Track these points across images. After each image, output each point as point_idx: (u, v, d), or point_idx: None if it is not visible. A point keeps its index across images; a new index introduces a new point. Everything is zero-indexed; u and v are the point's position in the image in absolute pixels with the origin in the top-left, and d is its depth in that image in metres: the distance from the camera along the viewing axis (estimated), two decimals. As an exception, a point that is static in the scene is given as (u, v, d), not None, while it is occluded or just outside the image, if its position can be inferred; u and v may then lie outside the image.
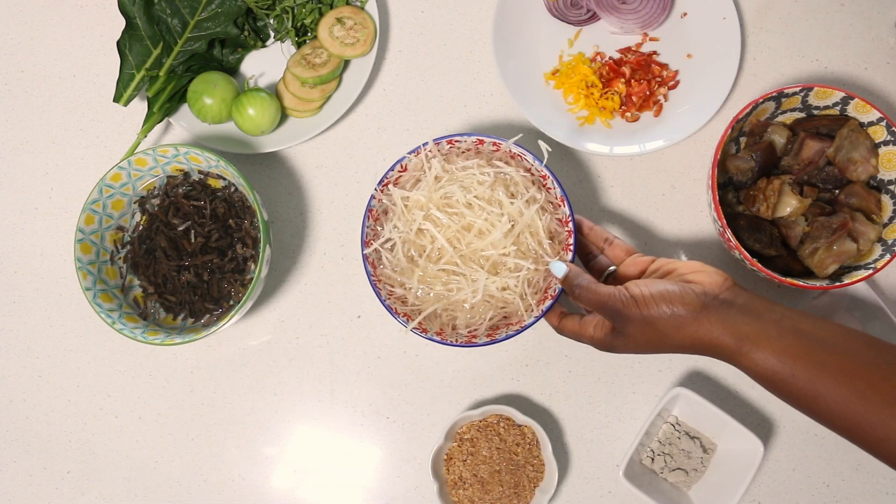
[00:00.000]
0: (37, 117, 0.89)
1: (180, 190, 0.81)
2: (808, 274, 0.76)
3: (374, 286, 0.69)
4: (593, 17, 0.86)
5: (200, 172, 0.82)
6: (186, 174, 0.82)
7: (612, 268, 0.67)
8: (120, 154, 0.87)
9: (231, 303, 0.80)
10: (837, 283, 0.72)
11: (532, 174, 0.70)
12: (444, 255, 0.66)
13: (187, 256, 0.79)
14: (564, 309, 0.68)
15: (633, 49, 0.86)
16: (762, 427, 0.80)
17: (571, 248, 0.67)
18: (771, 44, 0.87)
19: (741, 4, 0.87)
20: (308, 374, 0.83)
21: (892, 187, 0.75)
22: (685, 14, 0.86)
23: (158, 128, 0.88)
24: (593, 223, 0.70)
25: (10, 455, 0.84)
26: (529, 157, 0.70)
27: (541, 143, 0.70)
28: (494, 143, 0.70)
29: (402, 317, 0.68)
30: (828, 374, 0.51)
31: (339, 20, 0.84)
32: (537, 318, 0.66)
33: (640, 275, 0.64)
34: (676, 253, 0.84)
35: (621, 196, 0.85)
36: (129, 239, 0.82)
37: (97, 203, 0.78)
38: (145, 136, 0.83)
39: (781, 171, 0.78)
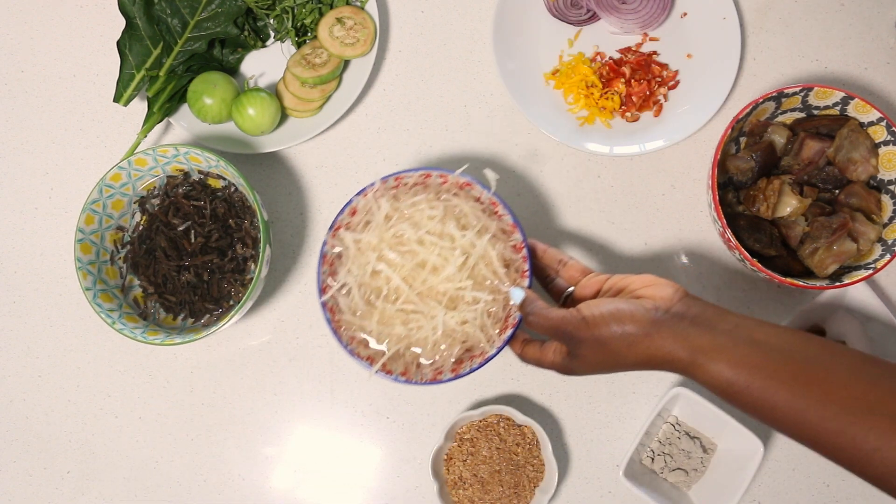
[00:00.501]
0: (37, 117, 0.89)
1: (180, 190, 0.81)
2: (808, 274, 0.76)
3: (334, 332, 0.68)
4: (593, 17, 0.86)
5: (200, 172, 0.82)
6: (186, 174, 0.82)
7: (569, 289, 0.66)
8: (120, 154, 0.87)
9: (231, 303, 0.80)
10: (837, 283, 0.72)
11: (482, 202, 0.69)
12: (401, 294, 0.65)
13: (187, 256, 0.79)
14: (528, 336, 0.67)
15: (633, 49, 0.86)
16: (762, 427, 0.80)
17: (527, 274, 0.66)
18: (771, 44, 0.87)
19: (741, 4, 0.87)
20: (308, 374, 0.83)
21: (892, 187, 0.75)
22: (685, 14, 0.86)
23: (158, 128, 0.88)
24: (547, 245, 0.69)
25: (10, 455, 0.84)
26: (478, 187, 0.69)
27: (487, 171, 0.69)
28: (441, 176, 0.69)
29: (366, 360, 0.67)
30: (783, 383, 0.50)
31: (339, 20, 0.84)
32: (499, 349, 0.66)
33: (596, 294, 0.63)
34: (677, 253, 0.84)
35: (621, 196, 0.85)
36: (129, 239, 0.82)
37: (97, 203, 0.78)
38: (145, 136, 0.83)
39: (781, 171, 0.78)
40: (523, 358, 0.65)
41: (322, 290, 0.68)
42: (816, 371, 0.50)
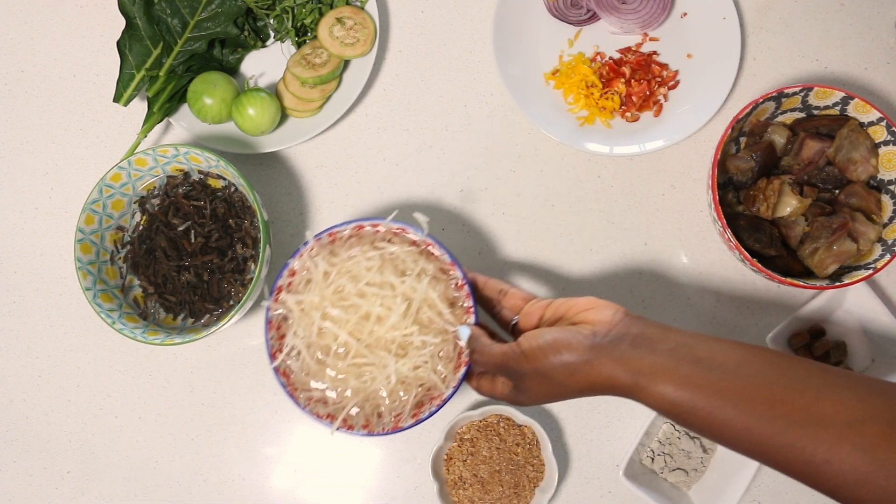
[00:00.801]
0: (37, 117, 0.89)
1: (180, 190, 0.81)
2: (808, 274, 0.76)
3: (291, 396, 0.67)
4: (593, 17, 0.86)
5: (200, 172, 0.82)
6: (186, 174, 0.82)
7: (514, 319, 0.65)
8: (120, 154, 0.87)
9: (231, 303, 0.80)
10: (837, 283, 0.72)
11: (418, 245, 0.69)
12: (350, 349, 0.65)
13: (187, 256, 0.79)
14: (482, 369, 0.66)
15: (633, 49, 0.86)
16: (762, 427, 0.80)
17: (472, 310, 0.66)
18: (771, 44, 0.87)
19: (741, 4, 0.87)
20: (308, 374, 0.83)
21: (892, 187, 0.75)
22: (685, 14, 0.86)
23: (158, 128, 0.88)
24: (487, 277, 0.68)
25: (10, 455, 0.84)
26: (411, 230, 0.69)
27: (416, 215, 0.68)
28: (373, 225, 0.69)
29: (327, 419, 0.67)
30: (728, 401, 0.49)
31: (339, 20, 0.84)
32: (455, 389, 0.65)
33: (539, 322, 0.62)
34: (676, 253, 0.84)
35: (621, 196, 0.85)
36: (129, 239, 0.82)
37: (97, 203, 0.78)
38: (145, 136, 0.83)
39: (781, 171, 0.78)
40: (479, 391, 0.65)
41: (272, 356, 0.68)
42: (761, 386, 0.49)
